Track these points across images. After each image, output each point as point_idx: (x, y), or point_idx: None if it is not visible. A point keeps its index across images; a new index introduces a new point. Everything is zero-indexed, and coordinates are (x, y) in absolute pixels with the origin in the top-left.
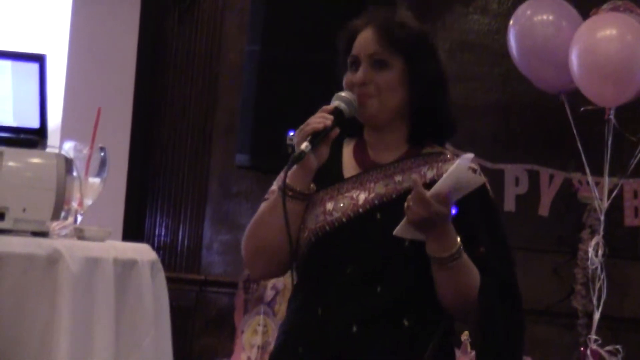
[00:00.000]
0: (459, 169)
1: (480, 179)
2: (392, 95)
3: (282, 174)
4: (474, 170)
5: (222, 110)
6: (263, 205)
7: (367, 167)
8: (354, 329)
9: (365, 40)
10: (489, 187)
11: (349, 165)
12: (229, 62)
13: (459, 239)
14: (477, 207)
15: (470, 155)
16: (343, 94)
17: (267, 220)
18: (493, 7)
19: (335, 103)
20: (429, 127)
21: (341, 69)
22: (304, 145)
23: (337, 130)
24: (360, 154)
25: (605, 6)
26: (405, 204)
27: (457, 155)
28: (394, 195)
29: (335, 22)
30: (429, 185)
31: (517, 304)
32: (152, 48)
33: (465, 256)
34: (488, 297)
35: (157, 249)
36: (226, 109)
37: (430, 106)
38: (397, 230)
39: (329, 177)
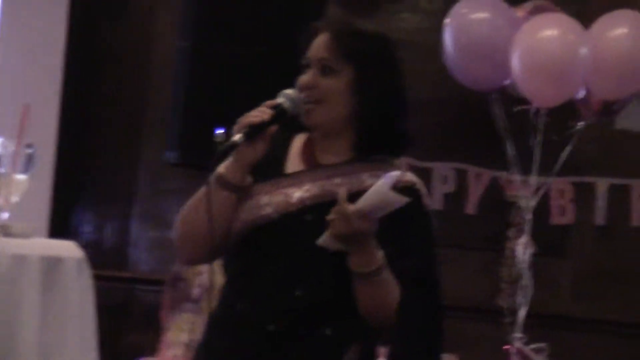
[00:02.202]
0: (381, 189)
1: (403, 199)
2: (336, 104)
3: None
4: (403, 189)
5: (152, 106)
6: (198, 192)
7: (310, 166)
8: (270, 327)
9: (318, 44)
10: (424, 198)
11: (293, 162)
12: (160, 59)
13: (381, 255)
14: (407, 220)
15: (395, 174)
16: (288, 91)
17: (196, 207)
18: (423, 6)
19: (279, 99)
20: (378, 138)
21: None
22: (237, 136)
23: (274, 127)
24: (307, 152)
25: (526, 5)
26: (328, 217)
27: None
28: (328, 199)
29: (267, 19)
30: (363, 192)
31: (439, 319)
32: (81, 44)
33: (387, 272)
34: (407, 312)
35: (83, 246)
36: (157, 106)
37: (380, 117)
38: (321, 240)
39: (270, 170)
